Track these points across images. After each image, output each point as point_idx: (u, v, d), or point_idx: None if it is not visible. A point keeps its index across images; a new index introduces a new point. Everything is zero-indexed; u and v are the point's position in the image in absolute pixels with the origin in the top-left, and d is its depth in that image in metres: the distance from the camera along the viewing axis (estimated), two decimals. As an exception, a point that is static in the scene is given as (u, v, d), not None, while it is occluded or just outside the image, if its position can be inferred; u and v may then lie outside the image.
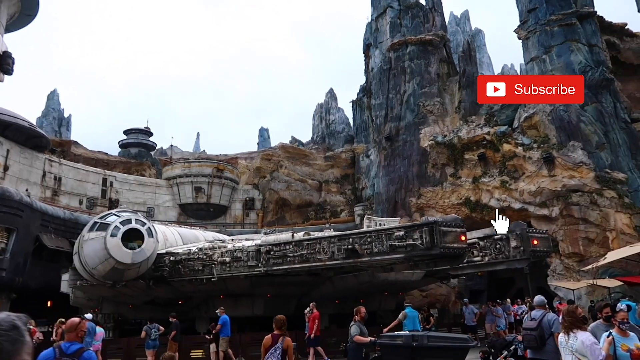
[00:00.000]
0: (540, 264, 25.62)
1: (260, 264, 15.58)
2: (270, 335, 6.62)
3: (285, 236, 15.63)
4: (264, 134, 76.49)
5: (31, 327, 15.22)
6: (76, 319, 4.80)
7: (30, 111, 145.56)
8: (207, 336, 15.18)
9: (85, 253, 15.77)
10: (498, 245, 15.21)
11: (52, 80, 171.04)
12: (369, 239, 13.65)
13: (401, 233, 13.13)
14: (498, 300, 26.45)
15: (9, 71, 23.89)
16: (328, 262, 14.26)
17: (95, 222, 15.86)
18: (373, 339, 9.32)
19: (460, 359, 9.10)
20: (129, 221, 15.67)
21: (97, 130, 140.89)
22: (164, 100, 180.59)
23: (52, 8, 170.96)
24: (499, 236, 15.21)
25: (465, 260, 15.04)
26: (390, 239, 13.29)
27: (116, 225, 15.28)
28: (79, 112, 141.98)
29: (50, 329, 20.09)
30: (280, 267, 15.24)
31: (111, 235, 15.05)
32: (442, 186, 32.54)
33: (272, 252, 15.47)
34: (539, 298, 8.26)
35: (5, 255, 24.00)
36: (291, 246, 15.08)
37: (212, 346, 15.21)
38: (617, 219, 24.27)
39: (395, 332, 11.20)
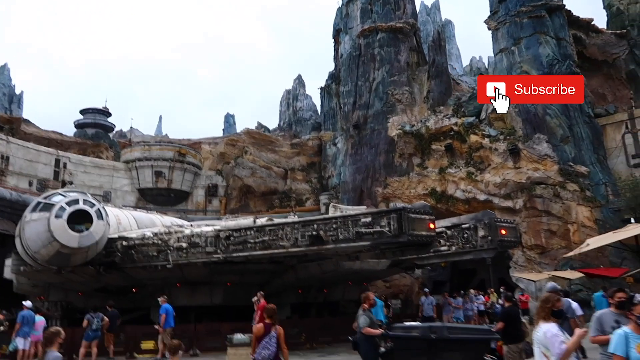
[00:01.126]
0: (503, 255, 25.72)
1: (219, 250, 14.73)
2: (262, 324, 6.67)
3: (246, 221, 14.84)
4: (229, 120, 74.77)
5: None
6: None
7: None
8: (156, 327, 14.21)
9: (27, 236, 14.51)
10: (465, 235, 14.84)
11: (2, 55, 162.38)
12: (334, 225, 13.03)
13: (368, 219, 12.56)
14: (462, 292, 26.49)
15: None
16: (291, 249, 13.57)
17: (39, 202, 14.59)
18: (384, 330, 8.47)
19: (483, 352, 8.33)
20: (76, 202, 14.47)
21: (52, 111, 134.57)
22: (125, 84, 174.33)
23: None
24: (467, 225, 14.85)
25: (432, 250, 14.66)
26: (357, 225, 12.71)
27: (62, 206, 14.06)
28: (33, 91, 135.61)
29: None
30: (241, 254, 14.44)
31: (55, 217, 13.84)
32: (408, 176, 32.30)
33: (232, 238, 14.64)
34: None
35: (-58, 237, 22.20)
36: (252, 232, 14.30)
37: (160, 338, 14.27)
38: (579, 211, 24.55)
39: (409, 323, 10.49)
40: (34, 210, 14.47)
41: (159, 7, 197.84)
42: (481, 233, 14.47)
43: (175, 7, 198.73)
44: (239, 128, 59.58)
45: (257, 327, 6.72)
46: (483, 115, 30.42)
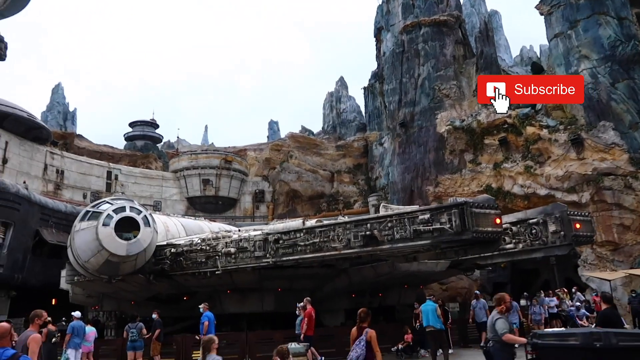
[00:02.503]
0: (569, 253, 23.85)
1: (268, 255, 14.07)
2: (355, 327, 6.83)
3: (295, 223, 14.12)
4: (273, 126, 74.97)
5: None
6: (6, 325, 4.57)
7: (35, 106, 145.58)
8: (197, 337, 13.65)
9: (77, 245, 14.41)
10: (534, 231, 13.50)
11: (57, 75, 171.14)
12: (389, 224, 12.07)
13: (426, 216, 11.53)
14: (525, 294, 24.68)
15: (2, 56, 22.67)
16: (343, 250, 12.71)
17: (87, 211, 14.47)
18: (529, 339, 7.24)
19: None
20: (122, 209, 14.24)
21: (102, 126, 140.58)
22: (170, 99, 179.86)
23: (59, 7, 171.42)
24: (535, 220, 13.51)
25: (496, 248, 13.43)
26: (414, 223, 11.70)
27: (109, 214, 13.86)
28: (85, 108, 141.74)
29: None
30: (290, 258, 13.71)
31: (103, 225, 13.64)
32: (460, 173, 30.84)
33: (280, 242, 13.94)
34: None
35: (2, 250, 22.87)
36: (302, 234, 13.54)
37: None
38: (655, 203, 22.42)
39: (563, 330, 9.14)
40: (82, 219, 14.37)
41: (197, 24, 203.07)
42: (552, 228, 13.11)
43: (213, 22, 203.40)
44: (283, 134, 59.56)
45: (352, 330, 6.87)
46: (539, 106, 28.57)
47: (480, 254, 12.66)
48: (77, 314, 12.80)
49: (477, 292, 18.93)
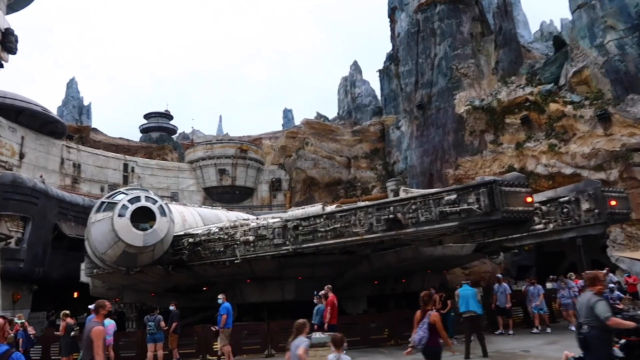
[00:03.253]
0: (596, 234, 22.97)
1: (287, 242, 13.66)
2: (419, 310, 6.94)
3: (314, 209, 13.65)
4: (288, 114, 74.41)
5: (19, 321, 13.79)
6: (1, 320, 4.45)
7: (51, 101, 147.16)
8: (213, 328, 13.29)
9: (94, 237, 14.16)
10: (565, 210, 12.85)
11: (70, 70, 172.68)
12: (413, 207, 11.54)
13: (453, 197, 10.97)
14: (551, 276, 23.81)
15: (12, 50, 22.36)
16: (366, 236, 12.23)
17: (102, 202, 14.18)
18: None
19: None
20: (137, 199, 13.92)
21: (117, 119, 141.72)
22: (183, 91, 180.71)
23: (67, 3, 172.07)
24: (566, 198, 12.84)
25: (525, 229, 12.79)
26: (440, 204, 11.16)
27: (124, 204, 13.55)
28: (99, 102, 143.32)
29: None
30: (311, 245, 13.28)
31: (119, 215, 13.34)
32: (481, 154, 29.99)
33: (300, 228, 13.51)
34: None
35: (22, 245, 22.86)
36: (322, 220, 13.09)
37: (220, 339, 13.28)
38: (689, 179, 21.41)
39: None
40: (98, 210, 14.10)
41: (208, 16, 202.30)
42: (585, 206, 12.45)
43: (223, 14, 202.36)
44: (298, 122, 59.01)
45: (417, 313, 6.94)
46: (562, 81, 27.54)
47: (510, 235, 12.03)
48: (93, 306, 12.53)
49: (499, 275, 18.06)
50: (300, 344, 6.01)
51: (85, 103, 55.55)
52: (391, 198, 12.22)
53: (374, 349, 13.28)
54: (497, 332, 15.35)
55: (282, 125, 71.12)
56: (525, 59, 32.62)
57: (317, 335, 8.47)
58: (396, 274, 18.17)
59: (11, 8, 25.47)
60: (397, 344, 13.64)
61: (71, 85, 54.18)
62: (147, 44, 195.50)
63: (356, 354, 12.11)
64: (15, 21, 22.99)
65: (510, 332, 15.23)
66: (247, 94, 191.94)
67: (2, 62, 22.52)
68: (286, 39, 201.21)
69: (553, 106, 26.32)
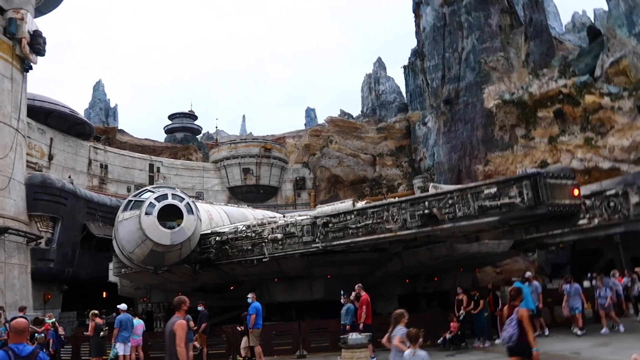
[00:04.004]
0: (635, 230, 21.90)
1: (317, 239, 13.24)
2: (507, 306, 6.81)
3: (344, 205, 13.19)
4: (310, 114, 74.10)
5: (50, 320, 13.72)
6: (24, 320, 4.18)
7: (78, 104, 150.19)
8: (239, 328, 12.95)
9: (121, 236, 14.02)
10: (612, 204, 12.02)
11: (96, 73, 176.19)
12: (450, 201, 10.98)
13: (493, 190, 10.38)
14: (589, 274, 22.66)
15: (40, 52, 22.55)
16: (399, 232, 11.71)
17: (130, 201, 14.03)
18: None
19: None
20: (164, 197, 13.72)
21: (142, 120, 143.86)
22: (206, 92, 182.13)
23: (89, 8, 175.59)
24: (613, 192, 12.02)
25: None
26: (479, 199, 10.57)
27: (151, 202, 13.35)
28: (124, 103, 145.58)
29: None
30: (341, 242, 12.82)
31: (146, 214, 13.14)
32: (512, 150, 29.07)
33: (330, 225, 13.07)
34: None
35: (52, 245, 23.05)
36: (353, 216, 12.63)
37: (244, 340, 12.84)
38: None
39: None
40: (125, 209, 13.95)
41: (228, 18, 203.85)
42: (635, 200, 11.61)
43: (243, 15, 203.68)
44: (321, 121, 58.64)
45: (504, 309, 6.79)
46: (598, 72, 26.48)
47: (554, 230, 11.35)
48: (123, 306, 12.37)
49: (529, 274, 16.46)
50: (396, 333, 6.24)
51: (112, 105, 56.42)
52: (426, 193, 11.67)
53: (410, 350, 12.77)
54: (535, 334, 14.54)
55: (305, 124, 70.83)
56: (557, 50, 31.59)
57: (353, 336, 8.01)
58: (428, 272, 17.58)
59: (39, 11, 25.70)
60: (433, 345, 13.08)
61: (97, 87, 55.00)
62: (168, 46, 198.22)
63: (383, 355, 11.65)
64: (41, 24, 23.27)
65: (547, 332, 14.37)
66: (269, 94, 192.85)
67: (31, 63, 22.74)
68: (307, 38, 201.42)
69: (589, 98, 25.30)
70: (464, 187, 11.00)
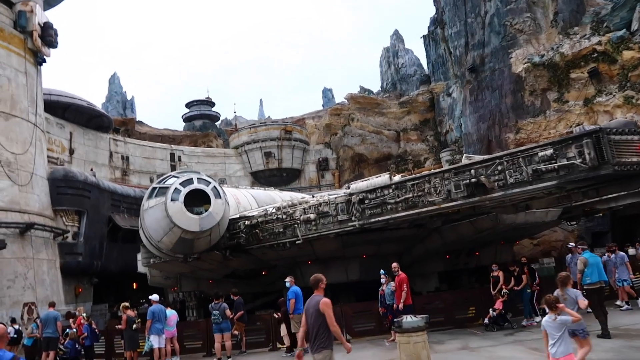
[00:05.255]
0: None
1: (353, 217, 12.45)
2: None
3: (380, 179, 12.32)
4: (327, 94, 72.88)
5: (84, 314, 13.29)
6: (2, 326, 4.46)
7: (95, 98, 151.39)
8: (275, 314, 12.22)
9: (148, 225, 13.45)
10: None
11: (109, 66, 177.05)
12: (499, 167, 10.04)
13: (549, 152, 9.41)
14: (630, 245, 20.97)
15: (52, 44, 22.03)
16: (444, 204, 10.85)
17: (154, 188, 13.40)
18: None
19: None
20: (190, 181, 13.06)
21: (158, 112, 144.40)
22: (221, 82, 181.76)
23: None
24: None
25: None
26: (532, 162, 9.62)
27: (176, 188, 12.70)
28: (140, 96, 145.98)
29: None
30: (380, 219, 12.01)
31: (172, 200, 12.50)
32: (544, 115, 27.66)
33: (366, 202, 12.26)
34: None
35: (79, 239, 22.78)
36: (391, 190, 11.78)
37: (283, 327, 12.00)
38: None
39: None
40: (150, 196, 13.34)
41: (231, 9, 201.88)
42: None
43: (247, 5, 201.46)
44: (338, 101, 57.44)
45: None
46: (635, 26, 24.77)
47: (619, 192, 10.33)
48: (155, 297, 11.82)
49: (572, 244, 15.39)
50: (577, 295, 6.70)
51: (128, 97, 56.15)
52: (471, 161, 10.73)
53: (462, 329, 11.96)
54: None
55: (322, 105, 69.71)
56: (587, 6, 29.77)
57: (408, 318, 7.23)
58: (469, 247, 16.68)
59: (48, 4, 25.16)
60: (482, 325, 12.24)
61: (113, 80, 54.71)
62: (179, 38, 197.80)
63: (443, 337, 10.87)
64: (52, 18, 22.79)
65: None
66: (284, 80, 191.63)
67: (44, 56, 22.26)
68: (317, 19, 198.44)
69: (627, 54, 23.76)
70: (515, 150, 10.05)
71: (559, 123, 27.14)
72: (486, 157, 10.71)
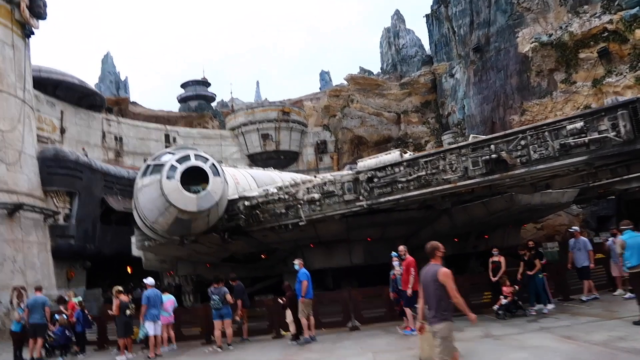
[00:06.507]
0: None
1: (361, 197, 11.69)
2: None
3: (390, 157, 11.57)
4: (325, 77, 71.64)
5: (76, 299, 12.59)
6: None
7: (88, 78, 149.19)
8: (280, 300, 11.55)
9: (142, 204, 12.65)
10: None
11: (105, 47, 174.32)
12: (522, 142, 9.30)
13: (578, 125, 8.67)
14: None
15: (41, 15, 20.99)
16: (460, 182, 10.12)
17: (148, 165, 12.59)
18: None
19: None
20: (186, 158, 12.25)
21: (152, 93, 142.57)
22: (217, 66, 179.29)
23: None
24: None
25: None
26: (560, 136, 8.86)
27: (172, 165, 11.89)
28: (134, 77, 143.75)
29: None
30: (390, 198, 11.27)
31: (167, 178, 11.70)
32: (551, 96, 26.92)
33: (375, 180, 11.50)
34: None
35: (71, 221, 22.01)
36: (402, 168, 11.02)
37: (288, 313, 11.21)
38: None
39: None
40: (144, 174, 12.53)
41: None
42: None
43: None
44: (336, 83, 56.34)
45: None
46: (648, 3, 23.93)
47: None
48: (149, 280, 11.05)
49: (574, 228, 14.30)
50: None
51: (122, 78, 54.85)
52: (492, 135, 9.97)
53: (479, 315, 11.24)
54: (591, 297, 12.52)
55: (320, 88, 68.55)
56: (597, -16, 28.83)
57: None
58: (479, 230, 16.01)
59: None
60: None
61: (106, 60, 53.34)
62: (174, 20, 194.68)
63: (460, 324, 10.17)
64: None
65: (594, 295, 12.29)
66: (281, 64, 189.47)
67: (33, 28, 21.20)
68: (316, 2, 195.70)
69: (639, 33, 22.93)
70: (540, 124, 9.28)
71: (566, 104, 26.39)
72: (507, 131, 9.94)
